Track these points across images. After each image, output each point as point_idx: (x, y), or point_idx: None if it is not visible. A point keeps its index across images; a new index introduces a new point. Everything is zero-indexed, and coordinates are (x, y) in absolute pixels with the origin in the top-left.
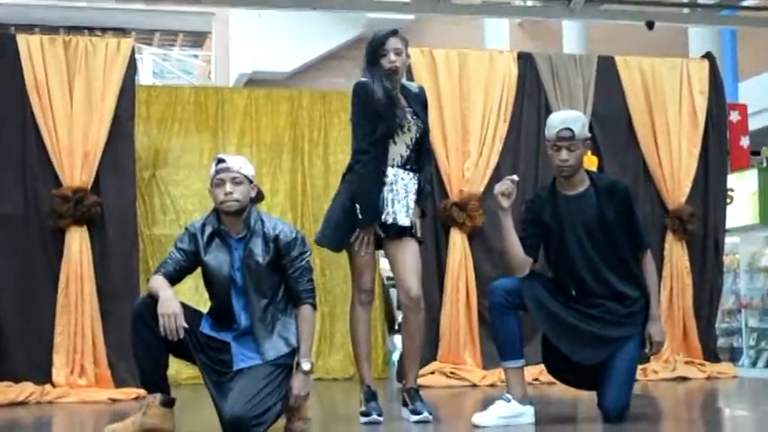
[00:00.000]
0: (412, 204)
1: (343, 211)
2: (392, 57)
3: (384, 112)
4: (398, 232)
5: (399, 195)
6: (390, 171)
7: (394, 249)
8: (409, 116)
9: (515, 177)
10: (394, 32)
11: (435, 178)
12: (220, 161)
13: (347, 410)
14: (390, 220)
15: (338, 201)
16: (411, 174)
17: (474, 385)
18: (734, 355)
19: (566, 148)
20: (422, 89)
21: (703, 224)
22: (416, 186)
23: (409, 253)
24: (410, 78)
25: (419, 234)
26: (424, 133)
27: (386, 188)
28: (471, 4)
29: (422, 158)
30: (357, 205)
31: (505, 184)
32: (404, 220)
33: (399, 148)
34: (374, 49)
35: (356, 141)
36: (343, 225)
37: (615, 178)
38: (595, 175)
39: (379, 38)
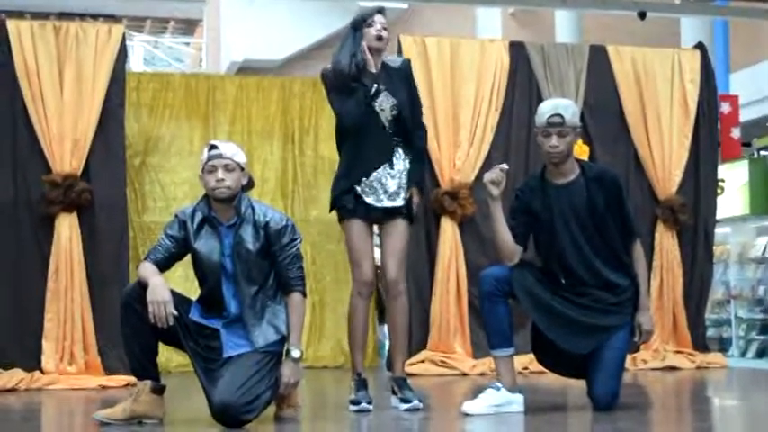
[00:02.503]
0: (402, 183)
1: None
2: (379, 26)
3: (350, 79)
4: (387, 213)
5: (386, 177)
6: None
7: (383, 231)
8: (384, 96)
9: (505, 166)
10: (380, 10)
11: (427, 167)
12: (213, 147)
13: (337, 398)
14: (374, 202)
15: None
16: (397, 150)
17: (464, 374)
18: (723, 346)
19: (556, 134)
20: (405, 62)
21: (694, 214)
22: (405, 162)
23: (396, 236)
24: None
25: (414, 212)
26: (401, 108)
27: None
28: None
29: (405, 135)
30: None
31: (495, 173)
32: (389, 202)
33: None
34: (362, 20)
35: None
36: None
37: (605, 167)
38: (585, 164)
39: (368, 11)
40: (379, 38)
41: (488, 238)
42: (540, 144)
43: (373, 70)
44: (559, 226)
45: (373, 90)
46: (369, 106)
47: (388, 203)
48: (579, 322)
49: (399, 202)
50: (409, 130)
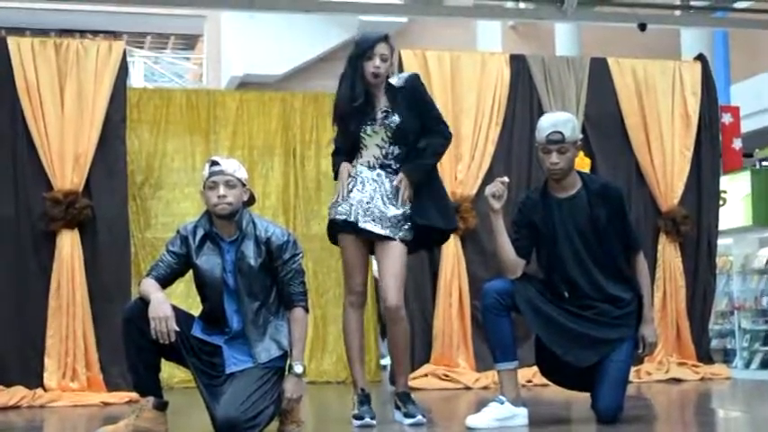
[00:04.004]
0: (389, 208)
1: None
2: (377, 62)
3: (350, 117)
4: (379, 237)
5: (366, 196)
6: (366, 172)
7: (378, 254)
8: (378, 118)
9: (506, 179)
10: (384, 38)
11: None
12: (214, 164)
13: (340, 414)
14: (362, 226)
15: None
16: (388, 173)
17: (467, 387)
18: (727, 357)
19: (556, 152)
20: (410, 78)
21: (696, 226)
22: (390, 187)
23: (390, 259)
24: None
25: (401, 200)
26: (398, 127)
27: (356, 189)
28: (463, 7)
29: (411, 154)
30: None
31: (496, 186)
32: (376, 229)
33: (372, 151)
34: (362, 50)
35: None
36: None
37: (607, 180)
38: (587, 177)
39: (369, 40)
40: (375, 75)
41: (490, 251)
42: (541, 160)
43: (368, 110)
44: (561, 239)
45: (365, 126)
46: (362, 130)
47: (375, 230)
48: (582, 335)
49: (387, 232)
50: (410, 144)
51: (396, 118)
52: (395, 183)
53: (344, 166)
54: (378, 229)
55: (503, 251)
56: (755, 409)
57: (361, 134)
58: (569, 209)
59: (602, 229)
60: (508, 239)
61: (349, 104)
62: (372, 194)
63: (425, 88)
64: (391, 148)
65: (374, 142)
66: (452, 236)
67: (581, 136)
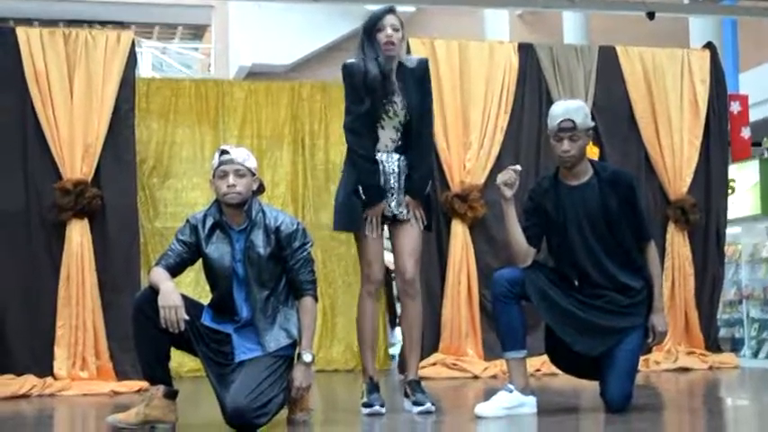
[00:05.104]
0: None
1: (346, 194)
2: (389, 31)
3: (377, 88)
4: (398, 218)
5: (390, 182)
6: (386, 158)
7: (395, 234)
8: (398, 99)
9: (518, 167)
10: (391, 10)
11: (436, 169)
12: (224, 153)
13: (349, 402)
14: (396, 212)
15: (341, 185)
16: (400, 156)
17: (476, 376)
18: (735, 346)
19: (567, 139)
20: (421, 62)
21: (705, 215)
22: (405, 168)
23: (408, 237)
24: None
25: (420, 221)
26: (414, 114)
27: (385, 180)
28: None
29: (410, 140)
30: (359, 188)
31: (508, 174)
32: (396, 209)
33: (389, 133)
34: (371, 24)
35: (345, 122)
36: (351, 207)
37: (620, 168)
38: (599, 165)
39: (377, 14)
40: (390, 43)
41: (499, 239)
42: (553, 147)
43: (388, 86)
44: (572, 227)
45: (388, 106)
46: (384, 111)
47: (403, 213)
48: (592, 324)
49: (399, 210)
50: (413, 135)
51: (405, 101)
52: (405, 203)
53: (380, 208)
54: (405, 213)
55: (514, 239)
56: (763, 397)
57: (383, 114)
58: (580, 197)
59: (613, 217)
60: (519, 228)
61: (379, 76)
62: (394, 182)
63: (431, 77)
64: (401, 134)
65: (392, 124)
66: (461, 224)
67: (593, 124)
